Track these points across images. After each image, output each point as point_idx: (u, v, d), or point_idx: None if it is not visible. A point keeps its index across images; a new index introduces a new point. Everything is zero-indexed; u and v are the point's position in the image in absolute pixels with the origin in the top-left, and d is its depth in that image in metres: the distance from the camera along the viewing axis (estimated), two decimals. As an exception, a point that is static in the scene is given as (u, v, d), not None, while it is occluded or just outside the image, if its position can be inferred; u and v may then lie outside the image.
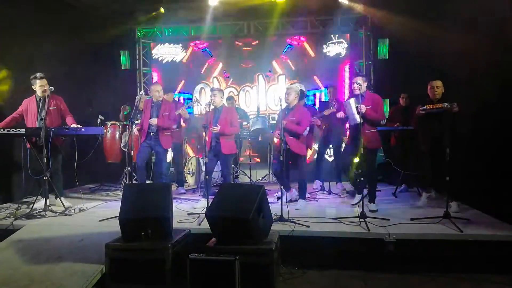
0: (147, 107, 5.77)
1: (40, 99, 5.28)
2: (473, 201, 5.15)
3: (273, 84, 8.69)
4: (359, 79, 4.97)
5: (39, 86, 5.20)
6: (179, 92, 8.87)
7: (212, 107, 5.50)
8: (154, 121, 5.61)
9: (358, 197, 5.24)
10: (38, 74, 5.19)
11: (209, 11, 7.97)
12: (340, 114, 5.17)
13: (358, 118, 4.78)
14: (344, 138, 6.75)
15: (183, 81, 8.89)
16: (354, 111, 4.84)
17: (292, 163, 5.40)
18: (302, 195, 5.43)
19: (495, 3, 4.77)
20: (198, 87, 8.86)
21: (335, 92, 7.03)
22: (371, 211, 4.89)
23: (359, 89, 4.91)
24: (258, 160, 8.26)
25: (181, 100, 8.66)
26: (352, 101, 4.91)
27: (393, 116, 6.62)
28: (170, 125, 5.82)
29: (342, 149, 6.32)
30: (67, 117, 5.39)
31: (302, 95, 6.65)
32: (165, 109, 5.76)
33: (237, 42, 8.70)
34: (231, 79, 8.79)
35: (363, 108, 4.74)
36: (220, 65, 8.77)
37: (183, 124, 6.85)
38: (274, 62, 8.60)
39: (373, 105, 4.90)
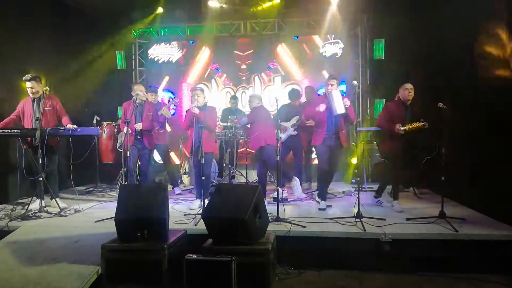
0: (129, 109, 5.65)
1: (34, 100, 5.26)
2: (468, 200, 5.18)
3: (269, 85, 8.70)
4: (334, 81, 5.08)
5: (28, 88, 5.20)
6: (164, 89, 8.87)
7: (195, 107, 5.38)
8: (139, 126, 5.58)
9: (323, 203, 5.27)
10: (25, 76, 5.16)
11: (205, 11, 7.98)
12: (322, 107, 5.02)
13: (343, 108, 4.86)
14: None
15: (167, 77, 8.89)
16: (340, 101, 4.88)
17: None
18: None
19: (491, 3, 4.79)
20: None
21: (314, 93, 7.06)
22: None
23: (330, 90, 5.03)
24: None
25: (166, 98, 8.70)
26: (336, 91, 4.95)
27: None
28: (154, 126, 5.84)
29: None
30: (63, 118, 5.37)
31: (297, 95, 6.68)
32: (149, 109, 5.77)
33: (236, 52, 8.73)
34: (224, 75, 8.79)
35: (347, 101, 4.91)
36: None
37: (168, 128, 6.85)
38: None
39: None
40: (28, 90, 5.21)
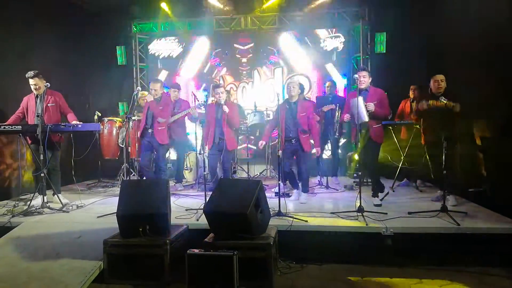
0: (147, 105, 5.84)
1: (37, 96, 5.27)
2: (470, 194, 5.17)
3: (270, 78, 8.67)
4: (364, 73, 4.88)
5: (31, 85, 5.20)
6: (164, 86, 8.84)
7: (213, 102, 5.51)
8: (162, 119, 5.71)
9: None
10: (28, 73, 5.15)
11: (206, 5, 7.95)
12: (347, 117, 4.97)
13: (366, 117, 4.68)
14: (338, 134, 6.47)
15: (167, 73, 8.88)
16: (363, 109, 4.69)
17: (297, 158, 5.48)
18: (305, 188, 5.51)
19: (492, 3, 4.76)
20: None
21: (333, 87, 6.98)
22: (375, 205, 4.88)
23: (363, 84, 4.85)
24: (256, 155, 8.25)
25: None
26: (360, 99, 4.71)
27: (403, 110, 6.39)
28: (164, 117, 5.80)
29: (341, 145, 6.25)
30: (68, 114, 5.40)
31: (301, 89, 6.64)
32: (161, 103, 5.80)
33: (236, 45, 8.69)
34: (225, 68, 8.77)
35: (372, 107, 4.70)
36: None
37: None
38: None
39: (378, 100, 4.83)
40: (32, 87, 5.21)
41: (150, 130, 5.73)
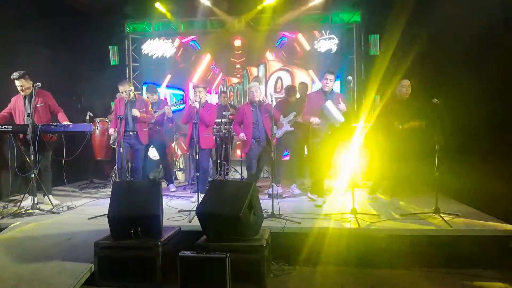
0: (120, 106, 5.69)
1: (26, 97, 5.20)
2: (462, 196, 5.20)
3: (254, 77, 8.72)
4: (332, 76, 5.01)
5: (17, 86, 5.14)
6: (167, 86, 8.83)
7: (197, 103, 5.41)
8: (136, 112, 5.62)
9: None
10: (13, 75, 5.07)
11: (200, 6, 7.92)
12: (316, 120, 5.05)
13: (341, 117, 4.86)
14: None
15: (169, 76, 8.84)
16: (336, 111, 4.87)
17: None
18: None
19: (486, 2, 4.78)
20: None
21: (305, 88, 7.06)
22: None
23: (328, 87, 5.01)
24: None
25: (168, 96, 8.65)
26: (329, 103, 4.90)
27: None
28: (149, 119, 5.88)
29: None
30: (59, 114, 5.34)
31: (294, 90, 6.65)
32: (140, 105, 5.75)
33: (232, 59, 8.70)
34: (221, 74, 8.76)
35: (343, 106, 4.89)
36: (208, 56, 8.76)
37: (169, 124, 6.86)
38: (268, 53, 8.59)
39: (342, 101, 5.01)
40: (18, 88, 5.14)
41: (131, 132, 5.68)
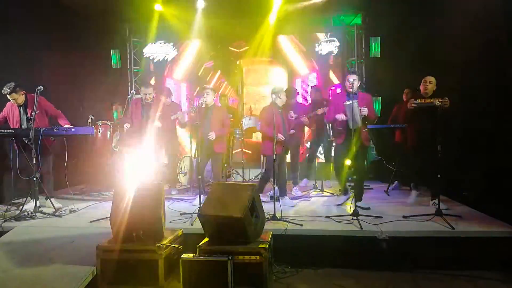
0: (137, 107, 5.73)
1: (20, 106, 5.23)
2: (464, 198, 5.19)
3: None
4: (353, 77, 4.85)
5: (12, 100, 5.16)
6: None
7: (203, 105, 5.45)
8: (158, 123, 5.67)
9: (343, 197, 5.34)
10: (4, 90, 5.05)
11: (200, 10, 7.94)
12: (342, 117, 4.90)
13: (359, 120, 4.76)
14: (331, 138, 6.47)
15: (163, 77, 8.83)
16: (358, 112, 4.74)
17: None
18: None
19: (487, 2, 4.79)
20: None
21: (319, 93, 7.04)
22: (364, 209, 4.89)
23: (352, 88, 4.81)
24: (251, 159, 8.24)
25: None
26: (356, 104, 4.73)
27: (397, 114, 6.30)
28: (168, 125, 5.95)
29: (334, 149, 6.27)
30: (59, 117, 5.35)
31: (294, 93, 6.65)
32: (157, 109, 5.75)
33: (231, 48, 8.67)
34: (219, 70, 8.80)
35: (365, 111, 4.73)
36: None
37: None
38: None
39: (367, 104, 4.86)
40: (12, 101, 5.18)
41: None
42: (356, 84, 4.89)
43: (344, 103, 4.85)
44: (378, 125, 6.18)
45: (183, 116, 6.17)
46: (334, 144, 5.52)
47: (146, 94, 5.72)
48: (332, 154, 6.68)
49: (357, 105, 4.73)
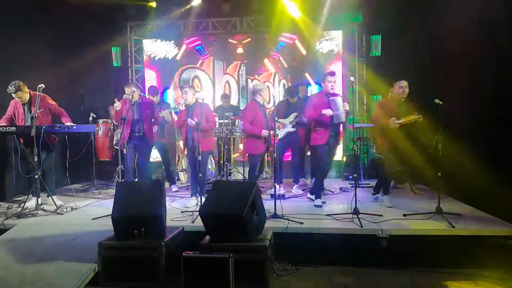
0: (126, 106, 5.62)
1: (25, 104, 5.25)
2: (464, 196, 5.20)
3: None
4: (334, 78, 5.09)
5: (17, 99, 5.18)
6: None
7: (184, 105, 5.40)
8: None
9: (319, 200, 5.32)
10: (9, 90, 5.06)
11: (200, 7, 7.94)
12: (329, 112, 4.97)
13: (344, 116, 4.97)
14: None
15: (163, 75, 8.84)
16: (342, 109, 4.94)
17: None
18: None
19: (488, 2, 4.79)
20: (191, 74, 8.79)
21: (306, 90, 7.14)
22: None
23: (334, 88, 5.10)
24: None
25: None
26: (339, 98, 4.98)
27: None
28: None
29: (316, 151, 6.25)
30: (61, 114, 5.36)
31: (294, 91, 6.66)
32: (147, 108, 5.74)
33: (230, 40, 8.64)
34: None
35: (347, 106, 4.97)
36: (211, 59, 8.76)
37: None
38: (266, 60, 8.56)
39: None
40: (17, 100, 5.19)
41: (137, 134, 5.65)
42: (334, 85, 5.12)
43: (329, 98, 5.03)
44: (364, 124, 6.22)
45: (168, 114, 6.13)
46: (313, 146, 5.45)
47: (128, 95, 5.62)
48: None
49: (341, 100, 4.97)
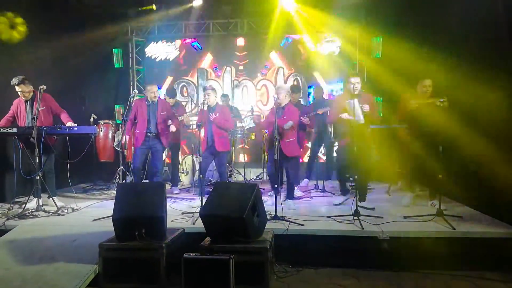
0: (142, 107, 5.73)
1: (27, 101, 5.24)
2: (464, 198, 5.19)
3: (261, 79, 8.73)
4: (358, 79, 4.97)
5: (18, 91, 5.17)
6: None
7: (206, 106, 5.51)
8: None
9: (341, 198, 5.40)
10: (13, 81, 5.08)
11: (202, 9, 7.96)
12: (346, 116, 4.92)
13: (362, 118, 4.83)
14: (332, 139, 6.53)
15: (171, 78, 8.85)
16: (359, 111, 4.82)
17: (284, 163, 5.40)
18: (290, 195, 5.45)
19: (488, 5, 4.79)
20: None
21: (320, 92, 7.12)
22: (368, 209, 4.96)
23: (357, 90, 4.91)
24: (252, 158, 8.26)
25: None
26: (356, 101, 4.83)
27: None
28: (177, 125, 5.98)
29: (337, 150, 6.29)
30: (62, 114, 5.36)
31: (297, 89, 6.65)
32: (163, 109, 5.77)
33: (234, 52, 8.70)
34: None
35: (367, 107, 4.81)
36: (209, 56, 8.78)
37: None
38: (273, 53, 8.55)
39: (369, 103, 4.91)
40: (19, 93, 5.18)
41: (150, 134, 5.70)
42: (359, 86, 4.95)
43: (346, 101, 4.92)
44: (380, 125, 6.16)
45: (189, 119, 6.21)
46: (336, 145, 5.51)
47: (152, 92, 5.72)
48: (335, 155, 6.73)
49: (358, 103, 4.81)
